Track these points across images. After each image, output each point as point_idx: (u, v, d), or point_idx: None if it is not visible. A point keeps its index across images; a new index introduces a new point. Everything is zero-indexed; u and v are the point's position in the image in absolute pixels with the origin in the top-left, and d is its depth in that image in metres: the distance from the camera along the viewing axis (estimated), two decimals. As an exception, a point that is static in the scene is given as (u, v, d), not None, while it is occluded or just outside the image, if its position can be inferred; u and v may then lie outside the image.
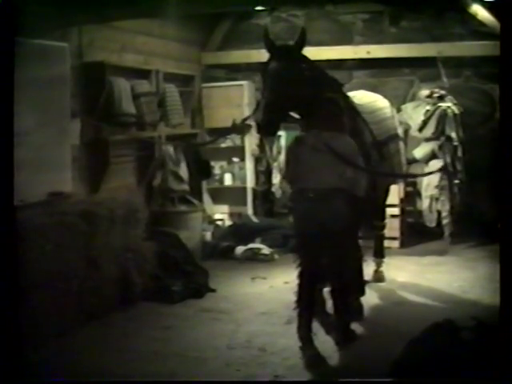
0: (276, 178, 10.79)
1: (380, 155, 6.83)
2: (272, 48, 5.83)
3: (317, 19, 11.01)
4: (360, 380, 5.24)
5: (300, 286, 5.82)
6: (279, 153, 10.66)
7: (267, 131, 5.78)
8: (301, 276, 5.82)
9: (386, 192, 7.95)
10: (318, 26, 10.93)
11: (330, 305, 6.44)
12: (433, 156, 9.69)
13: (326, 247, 5.82)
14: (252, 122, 8.92)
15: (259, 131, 5.87)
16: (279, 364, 5.67)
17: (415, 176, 9.92)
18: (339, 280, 5.96)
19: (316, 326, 6.15)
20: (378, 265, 8.18)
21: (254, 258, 9.44)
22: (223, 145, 11.20)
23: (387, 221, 8.51)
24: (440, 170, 9.30)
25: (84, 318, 6.64)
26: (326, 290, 6.63)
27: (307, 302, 5.83)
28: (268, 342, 6.16)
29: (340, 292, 6.00)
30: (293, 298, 5.90)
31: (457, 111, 9.67)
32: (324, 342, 6.05)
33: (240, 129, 10.18)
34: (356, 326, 6.34)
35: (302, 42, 5.83)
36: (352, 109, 6.54)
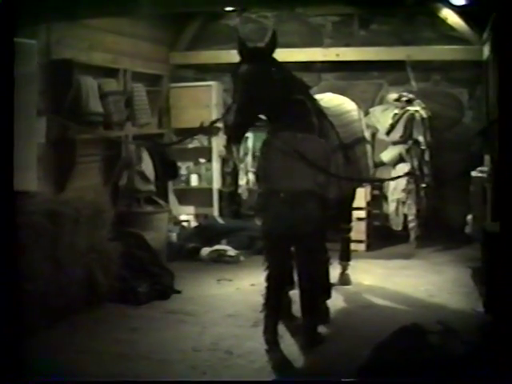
0: (242, 180, 10.75)
1: (346, 158, 6.81)
2: (243, 50, 5.79)
3: (286, 21, 10.98)
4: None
5: (268, 288, 5.77)
6: (246, 154, 10.62)
7: (236, 135, 5.73)
8: (269, 279, 5.79)
9: (353, 195, 7.95)
10: (288, 27, 10.89)
11: (295, 307, 6.43)
12: (400, 159, 9.74)
13: (295, 249, 5.82)
14: (220, 124, 8.91)
15: (228, 136, 5.82)
16: (246, 367, 5.63)
17: (382, 181, 9.96)
18: (308, 282, 5.93)
19: (282, 328, 6.13)
20: (344, 268, 8.17)
21: (219, 259, 9.40)
22: (190, 145, 11.14)
23: (353, 224, 8.46)
24: (407, 174, 9.35)
25: (49, 318, 6.55)
26: (292, 293, 6.61)
27: (274, 305, 5.79)
28: (234, 345, 6.12)
29: (309, 294, 5.97)
30: (259, 300, 5.87)
31: (425, 115, 9.73)
32: (290, 344, 6.04)
33: (208, 130, 10.15)
34: (322, 329, 6.32)
35: (274, 44, 5.80)
36: (319, 111, 6.53)
